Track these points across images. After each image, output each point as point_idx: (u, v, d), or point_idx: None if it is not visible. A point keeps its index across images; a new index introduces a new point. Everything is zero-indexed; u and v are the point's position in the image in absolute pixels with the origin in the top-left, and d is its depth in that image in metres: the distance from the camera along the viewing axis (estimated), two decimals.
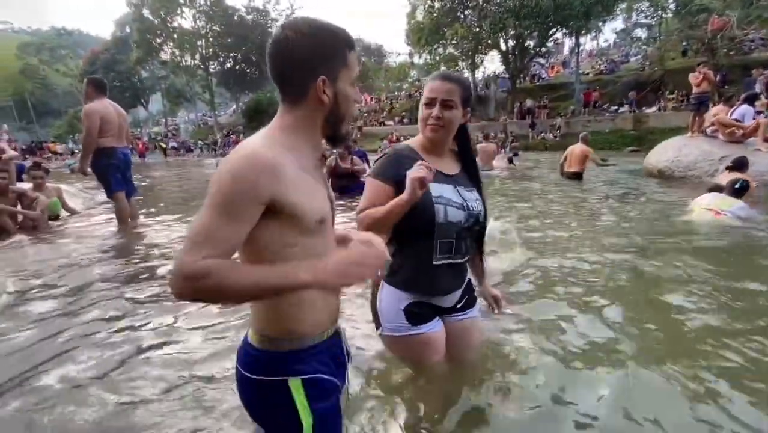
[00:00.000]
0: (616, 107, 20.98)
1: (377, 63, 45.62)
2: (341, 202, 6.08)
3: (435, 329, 1.45)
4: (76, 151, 22.83)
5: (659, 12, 23.52)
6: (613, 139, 17.80)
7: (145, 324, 2.31)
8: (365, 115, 30.34)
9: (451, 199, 1.35)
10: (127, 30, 35.28)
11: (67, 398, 1.68)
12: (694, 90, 7.77)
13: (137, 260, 3.50)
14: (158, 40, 32.52)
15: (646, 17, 25.11)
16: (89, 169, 4.36)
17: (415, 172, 1.21)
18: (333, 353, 0.99)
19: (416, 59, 29.22)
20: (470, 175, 1.49)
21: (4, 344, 2.12)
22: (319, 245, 0.88)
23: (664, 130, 16.21)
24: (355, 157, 6.81)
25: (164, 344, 2.09)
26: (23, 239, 4.33)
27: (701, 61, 8.38)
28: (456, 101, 1.35)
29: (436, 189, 1.34)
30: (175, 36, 32.04)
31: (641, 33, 27.66)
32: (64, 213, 5.51)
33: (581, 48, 28.98)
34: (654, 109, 19.52)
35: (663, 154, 7.64)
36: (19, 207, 4.67)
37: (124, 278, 3.08)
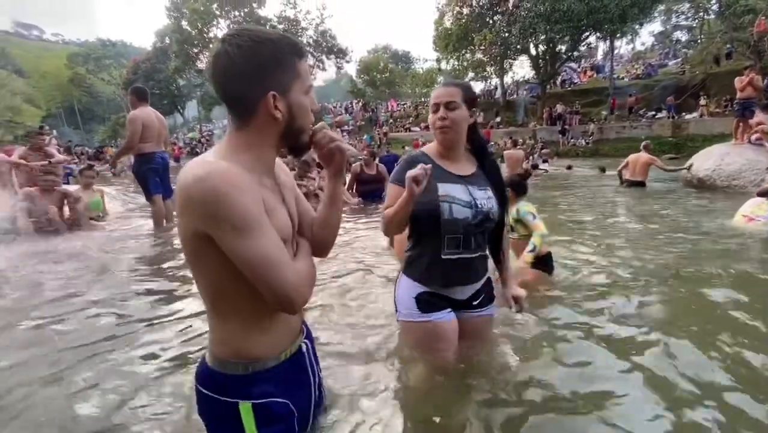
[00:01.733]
0: (653, 113, 20.15)
1: (404, 69, 45.78)
2: (363, 207, 6.14)
3: (445, 318, 1.53)
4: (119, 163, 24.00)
5: (701, 13, 22.51)
6: (649, 147, 17.07)
7: (161, 320, 2.40)
8: (391, 121, 30.47)
9: (456, 198, 1.45)
10: (167, 41, 36.93)
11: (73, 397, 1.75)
12: (739, 95, 7.36)
13: (166, 260, 3.65)
14: (195, 50, 33.92)
15: (686, 19, 24.09)
16: (130, 172, 4.61)
17: (409, 172, 1.30)
18: (292, 373, 0.97)
19: (443, 65, 29.10)
20: (487, 175, 1.57)
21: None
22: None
23: (706, 137, 15.44)
24: (380, 164, 6.84)
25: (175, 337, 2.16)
26: (66, 233, 4.61)
27: (748, 65, 7.93)
28: (458, 102, 1.46)
29: (443, 188, 1.45)
30: (211, 46, 33.33)
31: (681, 35, 26.54)
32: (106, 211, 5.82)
33: (616, 52, 28.09)
34: (694, 114, 18.61)
35: (704, 162, 7.25)
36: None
37: (149, 275, 3.21)
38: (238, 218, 0.73)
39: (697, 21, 23.45)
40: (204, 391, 0.91)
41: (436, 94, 1.50)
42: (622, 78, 25.78)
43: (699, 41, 23.42)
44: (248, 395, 0.89)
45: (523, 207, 2.78)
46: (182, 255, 3.62)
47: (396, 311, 1.62)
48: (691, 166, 7.40)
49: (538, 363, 1.82)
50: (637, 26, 23.20)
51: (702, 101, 18.75)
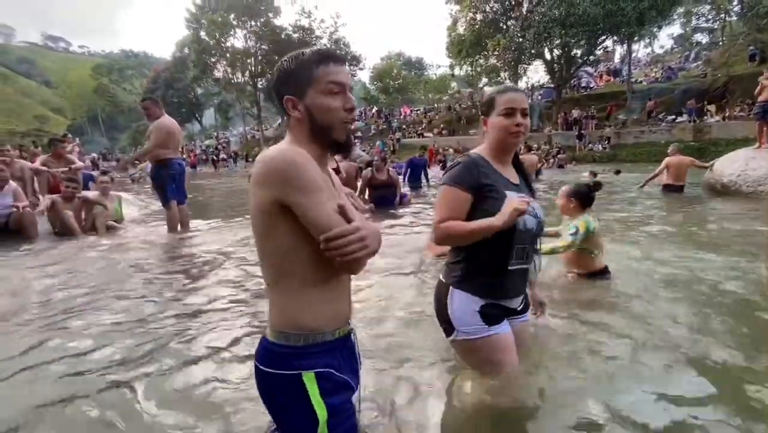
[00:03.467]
0: (673, 117, 19.66)
1: (417, 76, 45.92)
2: (376, 213, 6.12)
3: (507, 330, 1.51)
4: (137, 162, 24.72)
5: (722, 15, 21.97)
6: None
7: (172, 320, 2.40)
8: (404, 127, 30.54)
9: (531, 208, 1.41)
10: (186, 51, 37.97)
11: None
12: (760, 97, 7.11)
13: (180, 264, 3.69)
14: (212, 59, 34.77)
15: (706, 21, 23.54)
16: (149, 178, 4.73)
17: (518, 205, 1.30)
18: (345, 354, 1.03)
19: (457, 71, 29.09)
20: (525, 182, 1.59)
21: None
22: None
23: (729, 141, 14.97)
24: (391, 169, 6.83)
25: (185, 341, 2.16)
26: (84, 239, 4.72)
27: None
28: (528, 110, 1.47)
29: (512, 197, 1.40)
30: (228, 55, 34.12)
31: (701, 38, 25.94)
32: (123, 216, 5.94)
33: (633, 55, 27.61)
34: (717, 118, 18.08)
35: (727, 167, 7.00)
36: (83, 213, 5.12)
37: (163, 280, 3.24)
38: (309, 181, 0.87)
39: (718, 23, 22.88)
40: (265, 369, 0.95)
41: (511, 99, 1.45)
42: (641, 82, 25.30)
43: (721, 43, 22.84)
44: (310, 365, 0.93)
45: (590, 222, 2.69)
46: (198, 261, 3.69)
47: (451, 330, 1.51)
48: (713, 165, 7.22)
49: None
50: (655, 29, 22.81)
51: (711, 108, 18.24)
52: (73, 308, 2.73)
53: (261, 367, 0.97)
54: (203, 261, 3.79)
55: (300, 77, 0.96)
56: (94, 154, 27.60)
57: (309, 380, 0.92)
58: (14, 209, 4.70)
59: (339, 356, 1.00)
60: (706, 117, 18.42)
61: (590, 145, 20.13)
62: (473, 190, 1.42)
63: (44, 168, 5.76)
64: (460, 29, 25.90)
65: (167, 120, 4.69)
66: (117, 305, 2.76)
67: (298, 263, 0.93)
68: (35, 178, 5.81)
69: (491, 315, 1.47)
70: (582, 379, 1.74)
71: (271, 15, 33.69)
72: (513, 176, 1.54)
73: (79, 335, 2.32)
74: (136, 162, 4.92)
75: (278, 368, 0.94)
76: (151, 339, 2.25)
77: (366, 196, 6.59)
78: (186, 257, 4.00)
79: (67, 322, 2.49)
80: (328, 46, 32.10)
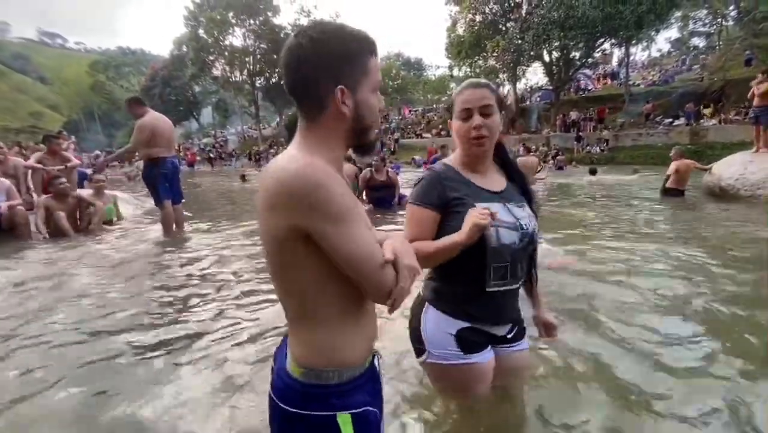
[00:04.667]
0: (670, 120, 19.74)
1: (416, 76, 45.92)
2: (376, 215, 6.09)
3: (487, 358, 1.31)
4: (115, 164, 24.56)
5: (719, 20, 22.09)
6: (667, 154, 16.68)
7: (174, 324, 2.36)
8: (402, 127, 30.52)
9: (502, 220, 1.22)
10: (184, 49, 37.75)
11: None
12: (754, 103, 7.13)
13: (176, 265, 3.63)
14: (211, 58, 34.61)
15: (703, 25, 23.67)
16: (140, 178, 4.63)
17: (477, 219, 1.12)
18: (372, 382, 0.93)
19: (456, 72, 29.07)
20: (519, 188, 1.36)
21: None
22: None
23: (725, 145, 15.03)
24: (390, 169, 6.79)
25: (185, 347, 2.11)
26: (79, 239, 4.65)
27: (765, 69, 7.65)
28: (494, 106, 1.25)
29: (474, 210, 1.20)
30: (226, 53, 33.99)
31: (699, 42, 26.08)
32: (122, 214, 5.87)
33: (631, 58, 27.71)
34: (713, 121, 18.17)
35: (726, 170, 7.01)
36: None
37: (160, 280, 3.19)
38: (338, 207, 0.73)
39: (715, 27, 23.00)
40: (292, 410, 0.82)
41: (465, 98, 1.25)
42: (638, 85, 25.39)
43: (717, 47, 22.96)
44: (346, 405, 0.83)
45: None
46: (194, 261, 3.64)
47: (422, 351, 1.33)
48: (711, 168, 7.24)
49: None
50: (653, 33, 22.88)
51: (707, 111, 18.29)
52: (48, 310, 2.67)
53: (284, 406, 0.83)
54: (194, 264, 3.74)
55: (356, 65, 0.79)
56: (98, 152, 27.37)
57: (344, 422, 0.81)
58: (5, 209, 4.61)
59: (369, 387, 0.90)
60: (702, 120, 18.51)
61: (588, 147, 20.17)
62: (439, 207, 1.25)
63: (39, 165, 5.67)
64: (460, 30, 25.90)
65: (149, 119, 4.47)
66: (85, 311, 2.71)
67: (328, 295, 0.81)
68: (29, 176, 5.72)
69: (469, 342, 1.28)
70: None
71: (270, 14, 33.58)
72: (495, 183, 1.33)
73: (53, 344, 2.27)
74: (114, 164, 4.78)
75: (307, 408, 0.81)
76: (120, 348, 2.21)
77: (364, 197, 6.55)
78: (177, 259, 3.95)
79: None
80: (306, 27, 32.02)
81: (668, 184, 7.28)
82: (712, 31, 23.82)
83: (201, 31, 33.37)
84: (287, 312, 0.85)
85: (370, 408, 0.86)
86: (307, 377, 0.82)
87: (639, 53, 34.68)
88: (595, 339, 2.14)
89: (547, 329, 1.44)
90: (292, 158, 0.76)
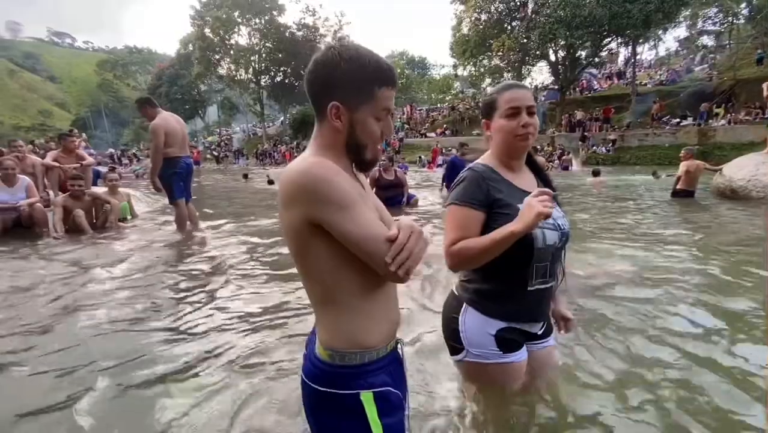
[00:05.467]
0: (678, 120, 19.62)
1: (420, 75, 45.88)
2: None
3: (523, 357, 1.37)
4: (141, 157, 24.88)
5: (729, 18, 21.86)
6: (674, 154, 16.61)
7: (188, 318, 2.43)
8: (406, 127, 30.50)
9: (545, 221, 1.20)
10: (190, 47, 37.96)
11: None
12: None
13: (188, 261, 3.72)
14: (216, 57, 34.77)
15: (713, 24, 23.44)
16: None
17: (540, 206, 1.11)
18: (396, 367, 1.00)
19: (460, 71, 29.03)
20: (547, 188, 1.35)
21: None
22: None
23: (734, 146, 14.93)
24: (398, 169, 6.84)
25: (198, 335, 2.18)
26: (96, 236, 4.76)
27: None
28: (535, 107, 1.31)
29: (531, 199, 1.20)
30: (232, 52, 34.14)
31: (708, 41, 25.84)
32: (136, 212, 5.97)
33: (638, 57, 27.50)
34: (723, 122, 18.03)
35: (737, 172, 6.98)
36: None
37: (173, 278, 3.27)
38: (342, 196, 0.81)
39: (725, 26, 22.77)
40: (321, 389, 0.91)
41: (512, 97, 1.28)
42: (645, 84, 25.23)
43: (728, 46, 22.74)
44: (369, 384, 0.90)
45: None
46: (205, 256, 3.72)
47: (459, 350, 1.38)
48: (721, 169, 7.22)
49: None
50: (660, 32, 22.70)
51: (717, 110, 18.12)
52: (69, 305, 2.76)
53: (313, 385, 0.92)
54: (200, 258, 3.82)
55: (360, 91, 0.87)
56: (112, 150, 27.65)
57: (367, 400, 0.89)
58: (25, 206, 4.71)
59: (392, 370, 0.97)
60: (711, 120, 18.38)
61: (594, 147, 20.09)
62: (485, 207, 1.26)
63: (55, 164, 5.78)
64: (465, 29, 25.81)
65: (161, 120, 4.48)
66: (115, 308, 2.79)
67: (346, 281, 0.88)
68: (46, 174, 5.83)
69: (508, 341, 1.32)
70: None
71: (275, 13, 33.63)
72: (529, 183, 1.36)
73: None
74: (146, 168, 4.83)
75: (334, 387, 0.90)
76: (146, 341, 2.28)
77: None
78: (192, 255, 4.03)
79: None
80: (333, 44, 32.04)
81: (679, 186, 7.26)
82: (722, 30, 23.57)
83: (207, 30, 33.50)
84: (311, 299, 0.93)
85: (392, 389, 0.93)
86: (332, 358, 0.90)
87: (646, 52, 34.46)
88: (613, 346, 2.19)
89: (564, 323, 1.48)
90: (303, 159, 0.87)
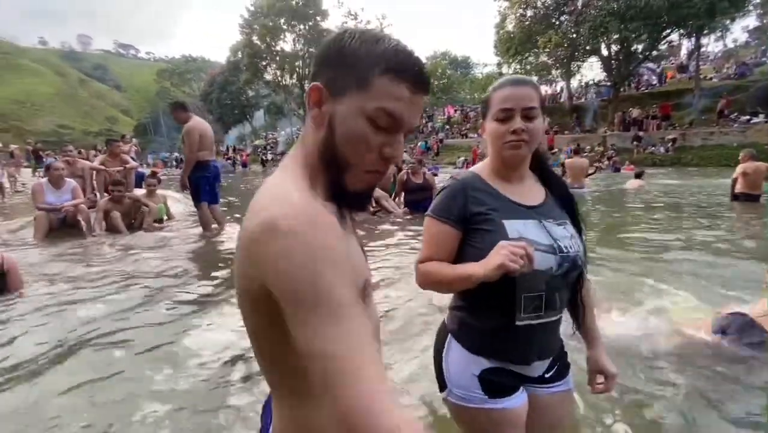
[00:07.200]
0: (748, 117, 17.71)
1: (463, 75, 45.13)
2: (410, 218, 6.00)
3: (518, 403, 1.11)
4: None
5: None
6: None
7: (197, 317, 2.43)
8: (447, 127, 30.08)
9: (536, 241, 1.02)
10: (239, 55, 39.88)
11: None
12: None
13: (213, 260, 3.80)
14: (263, 63, 36.28)
15: None
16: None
17: (505, 258, 0.91)
18: None
19: (504, 69, 28.15)
20: (560, 202, 1.15)
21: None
22: (366, 312, 0.58)
23: None
24: (427, 171, 6.65)
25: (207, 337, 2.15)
26: (132, 236, 5.03)
27: None
28: (538, 107, 1.06)
29: (512, 228, 1.03)
30: (277, 58, 35.46)
31: None
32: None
33: (703, 50, 25.24)
34: None
35: None
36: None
37: (198, 274, 3.33)
38: (328, 294, 0.51)
39: None
40: None
41: (505, 96, 1.07)
42: (711, 79, 23.09)
43: None
44: None
45: None
46: (227, 254, 3.78)
47: (443, 386, 1.16)
48: None
49: None
50: (727, 21, 20.67)
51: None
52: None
53: None
54: (225, 258, 3.88)
55: (351, 70, 0.61)
56: (165, 153, 29.72)
57: None
58: (70, 208, 5.06)
59: None
60: None
61: (651, 147, 18.61)
62: (458, 222, 1.07)
63: (102, 167, 6.20)
64: (509, 26, 25.05)
65: (195, 123, 4.68)
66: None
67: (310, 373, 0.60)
68: (94, 177, 6.28)
69: (495, 384, 1.09)
70: None
71: (318, 18, 34.55)
72: (531, 196, 1.13)
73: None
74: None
75: None
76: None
77: (401, 199, 6.48)
78: (212, 253, 4.11)
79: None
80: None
81: (738, 189, 6.66)
82: None
83: (255, 38, 35.04)
84: (270, 383, 0.69)
85: None
86: None
87: (711, 44, 31.54)
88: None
89: (603, 379, 1.15)
90: (284, 194, 0.58)
